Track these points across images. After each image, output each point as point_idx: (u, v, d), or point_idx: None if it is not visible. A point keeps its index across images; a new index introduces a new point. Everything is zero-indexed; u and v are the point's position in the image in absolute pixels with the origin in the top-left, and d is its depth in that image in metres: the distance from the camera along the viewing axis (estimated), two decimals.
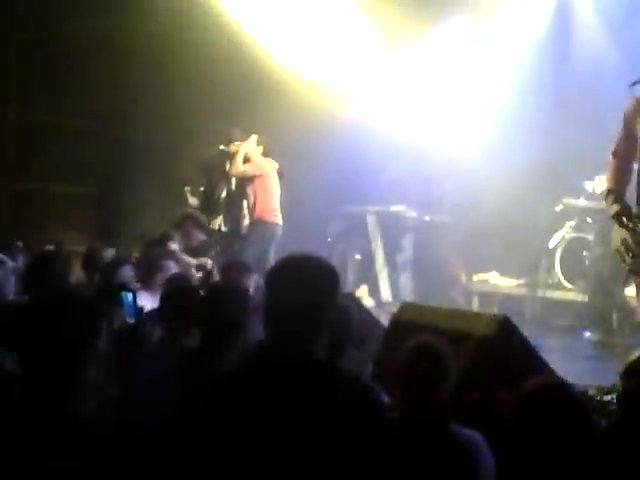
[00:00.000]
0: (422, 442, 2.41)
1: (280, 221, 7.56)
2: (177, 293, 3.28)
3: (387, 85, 10.33)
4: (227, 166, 7.91)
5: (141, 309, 2.98)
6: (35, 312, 2.17)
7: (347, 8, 10.02)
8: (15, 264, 4.59)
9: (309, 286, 2.02)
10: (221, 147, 7.89)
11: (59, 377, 2.08)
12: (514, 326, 3.47)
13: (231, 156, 7.78)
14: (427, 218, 9.97)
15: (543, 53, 9.68)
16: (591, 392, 3.82)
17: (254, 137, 7.76)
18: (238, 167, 7.63)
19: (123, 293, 2.55)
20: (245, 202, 7.84)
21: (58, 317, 2.09)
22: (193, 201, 8.32)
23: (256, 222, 7.53)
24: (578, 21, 9.92)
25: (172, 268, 4.60)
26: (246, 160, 7.69)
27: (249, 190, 7.69)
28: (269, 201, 7.52)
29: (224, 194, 8.05)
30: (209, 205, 8.03)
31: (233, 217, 7.94)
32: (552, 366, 3.46)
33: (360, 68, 10.26)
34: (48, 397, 2.04)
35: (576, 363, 5.98)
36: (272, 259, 6.89)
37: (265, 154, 7.73)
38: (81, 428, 2.03)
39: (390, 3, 9.65)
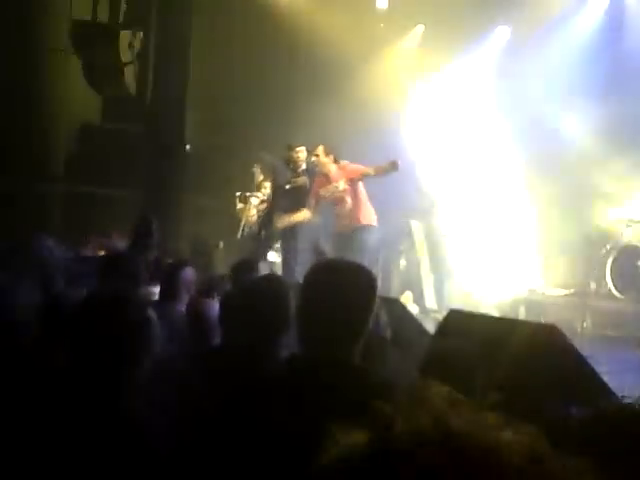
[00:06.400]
0: None
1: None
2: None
3: (436, 95, 10.28)
4: (291, 167, 7.65)
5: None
6: (94, 310, 2.17)
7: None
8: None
9: (345, 291, 2.01)
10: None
11: (111, 375, 2.08)
12: (563, 335, 3.38)
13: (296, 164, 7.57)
14: (472, 225, 9.86)
15: (592, 55, 9.52)
16: None
17: (320, 148, 7.45)
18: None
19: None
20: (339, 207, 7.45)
21: (115, 317, 2.10)
22: (240, 206, 8.35)
23: (364, 226, 7.27)
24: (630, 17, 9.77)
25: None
26: (325, 176, 7.39)
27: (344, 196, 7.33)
28: (367, 203, 7.34)
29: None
30: (276, 204, 7.83)
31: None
32: (603, 378, 3.36)
33: (411, 78, 10.24)
34: (99, 394, 2.05)
35: (628, 375, 5.83)
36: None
37: (336, 160, 7.42)
38: (131, 427, 2.03)
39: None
